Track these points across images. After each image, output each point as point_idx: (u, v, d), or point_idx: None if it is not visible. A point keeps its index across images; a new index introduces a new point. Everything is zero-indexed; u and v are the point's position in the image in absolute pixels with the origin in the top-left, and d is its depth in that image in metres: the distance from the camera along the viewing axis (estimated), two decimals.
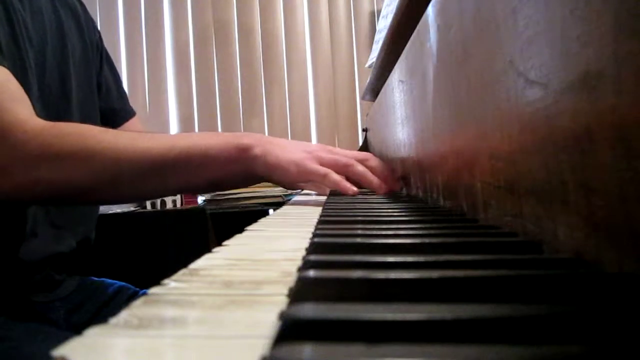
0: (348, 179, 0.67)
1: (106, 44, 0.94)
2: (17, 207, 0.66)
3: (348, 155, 0.69)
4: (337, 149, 0.71)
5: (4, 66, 0.60)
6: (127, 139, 0.60)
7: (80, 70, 0.80)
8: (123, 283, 0.85)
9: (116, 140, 0.59)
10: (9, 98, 0.58)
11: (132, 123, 0.94)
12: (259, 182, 0.69)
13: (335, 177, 0.64)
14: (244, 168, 0.63)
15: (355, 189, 0.65)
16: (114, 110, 0.91)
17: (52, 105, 0.72)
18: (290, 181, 0.66)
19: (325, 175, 0.63)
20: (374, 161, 0.72)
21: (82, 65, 0.81)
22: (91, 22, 0.88)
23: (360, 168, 0.67)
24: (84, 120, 0.78)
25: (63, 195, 0.60)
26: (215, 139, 0.63)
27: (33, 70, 0.68)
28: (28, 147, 0.56)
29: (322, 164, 0.65)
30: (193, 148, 0.61)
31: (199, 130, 2.01)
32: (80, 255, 0.77)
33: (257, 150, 0.63)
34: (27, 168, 0.56)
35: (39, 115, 0.63)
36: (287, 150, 0.64)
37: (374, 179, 0.68)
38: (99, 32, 0.91)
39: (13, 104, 0.57)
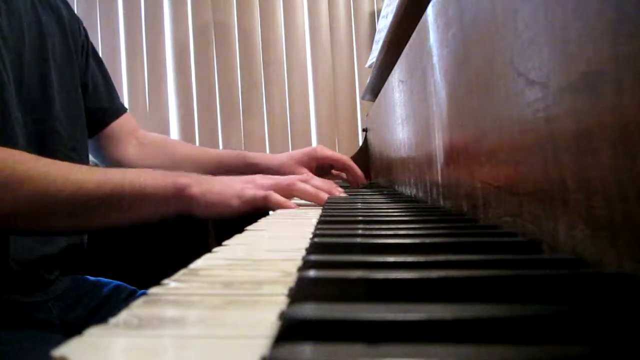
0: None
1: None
2: None
3: (290, 178, 0.69)
4: (278, 177, 0.70)
5: None
6: (60, 170, 0.58)
7: (62, 71, 0.78)
8: (119, 282, 0.84)
9: (48, 170, 0.57)
10: None
11: (124, 119, 0.92)
12: None
13: (277, 196, 0.63)
14: (179, 207, 0.62)
15: (294, 204, 0.65)
16: (102, 109, 0.88)
17: (32, 107, 0.70)
18: (235, 213, 0.64)
19: (266, 197, 0.63)
20: (317, 180, 0.72)
21: (64, 67, 0.79)
22: (76, 21, 0.85)
23: (301, 185, 0.67)
24: (69, 121, 0.77)
25: None
26: (151, 177, 0.62)
27: (9, 71, 0.66)
28: None
29: (263, 189, 0.64)
30: (128, 184, 0.60)
31: (198, 130, 2.01)
32: (72, 255, 0.76)
33: (195, 190, 0.62)
34: None
35: (17, 116, 0.61)
36: (226, 185, 0.64)
37: (320, 193, 0.68)
38: (84, 29, 0.88)
39: None
